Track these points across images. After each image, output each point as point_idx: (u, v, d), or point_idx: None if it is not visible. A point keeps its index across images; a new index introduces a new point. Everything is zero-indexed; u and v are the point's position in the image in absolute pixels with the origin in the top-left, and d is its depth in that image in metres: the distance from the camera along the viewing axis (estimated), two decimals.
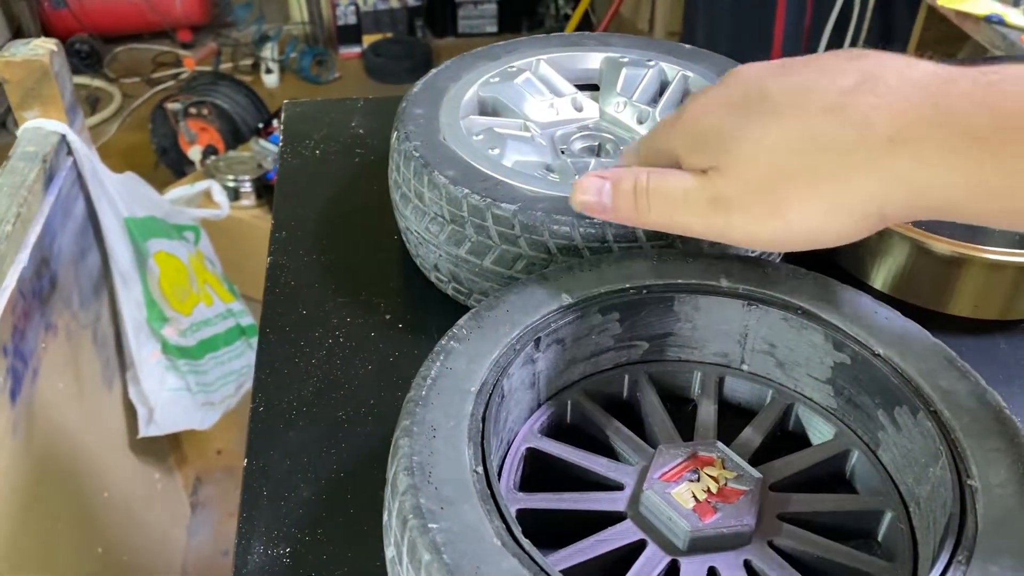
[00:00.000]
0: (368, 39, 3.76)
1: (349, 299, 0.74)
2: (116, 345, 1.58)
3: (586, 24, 3.51)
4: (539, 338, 0.55)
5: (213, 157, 2.63)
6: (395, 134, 0.74)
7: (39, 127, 1.37)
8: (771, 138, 0.47)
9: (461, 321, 0.55)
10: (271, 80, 3.59)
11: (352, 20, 3.75)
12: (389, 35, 3.77)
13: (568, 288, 0.58)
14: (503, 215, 0.65)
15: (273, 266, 0.77)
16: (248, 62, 3.70)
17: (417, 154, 0.70)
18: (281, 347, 0.69)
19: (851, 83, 0.45)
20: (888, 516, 0.52)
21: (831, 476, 0.56)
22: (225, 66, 3.62)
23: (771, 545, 0.49)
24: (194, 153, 2.77)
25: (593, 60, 0.85)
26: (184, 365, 1.65)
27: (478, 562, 0.42)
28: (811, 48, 2.29)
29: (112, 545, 1.46)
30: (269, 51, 3.59)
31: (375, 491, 0.58)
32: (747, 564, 0.48)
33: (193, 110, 2.77)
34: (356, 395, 0.65)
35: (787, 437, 0.59)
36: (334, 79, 3.65)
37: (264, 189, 2.41)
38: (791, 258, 0.69)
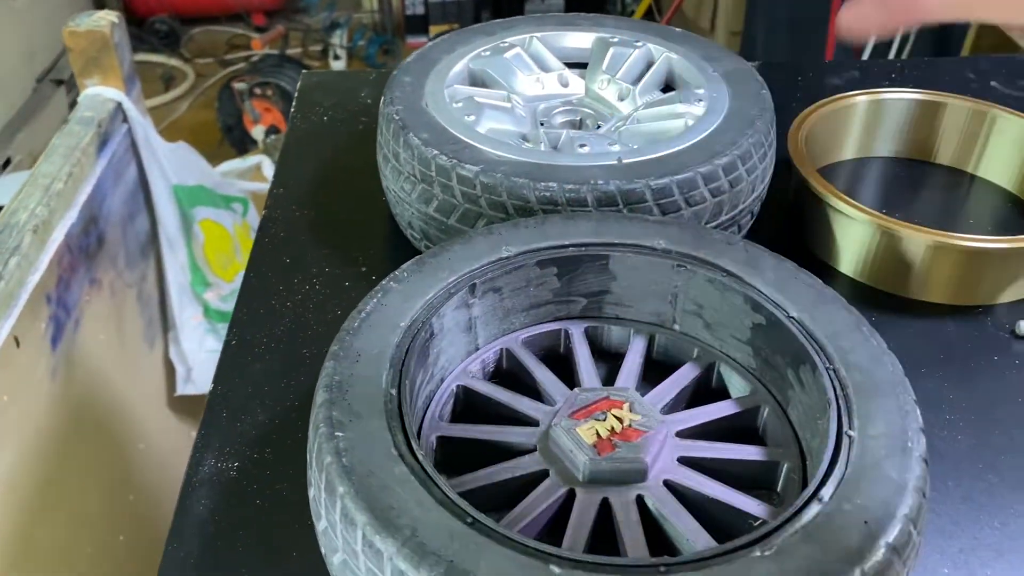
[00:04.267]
0: (435, 29, 3.83)
1: (331, 251, 0.79)
2: (160, 306, 1.66)
3: (649, 19, 3.52)
4: (474, 284, 0.59)
5: (273, 136, 2.72)
6: (382, 99, 0.79)
7: (97, 94, 1.45)
8: None
9: (405, 265, 0.59)
10: (338, 66, 3.69)
11: (420, 10, 3.83)
12: (455, 26, 3.84)
13: (511, 241, 0.62)
14: (466, 175, 0.69)
15: (266, 219, 0.82)
16: (317, 47, 3.80)
17: (397, 117, 0.75)
18: (261, 290, 0.75)
19: None
20: (784, 467, 0.55)
21: (745, 430, 0.59)
22: (295, 51, 3.72)
23: (666, 484, 0.53)
24: (257, 132, 2.87)
25: (585, 40, 0.88)
26: (223, 329, 1.71)
27: (372, 466, 0.46)
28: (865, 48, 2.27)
29: (144, 494, 1.54)
30: (338, 38, 3.69)
31: None
32: (639, 499, 0.52)
33: (258, 90, 2.87)
34: (323, 336, 0.71)
35: (712, 394, 0.62)
36: None
37: None
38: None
